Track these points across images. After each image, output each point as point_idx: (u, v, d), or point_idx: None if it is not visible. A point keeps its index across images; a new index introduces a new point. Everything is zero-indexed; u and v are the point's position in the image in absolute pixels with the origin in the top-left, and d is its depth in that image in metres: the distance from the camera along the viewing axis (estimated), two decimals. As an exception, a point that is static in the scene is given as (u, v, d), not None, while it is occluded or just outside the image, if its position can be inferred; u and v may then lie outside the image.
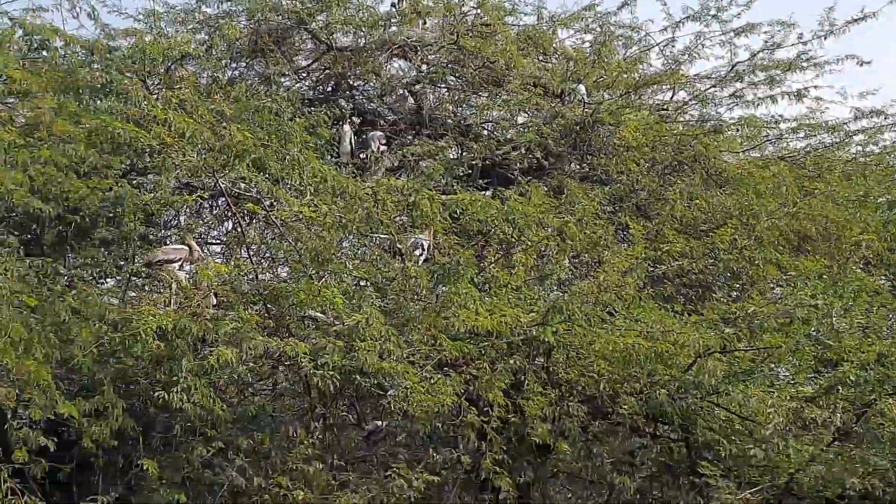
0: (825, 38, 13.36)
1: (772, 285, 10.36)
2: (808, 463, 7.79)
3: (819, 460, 7.79)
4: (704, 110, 14.10)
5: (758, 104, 13.89)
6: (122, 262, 9.25)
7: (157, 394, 7.67)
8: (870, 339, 8.59)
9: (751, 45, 13.73)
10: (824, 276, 9.51)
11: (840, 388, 8.12)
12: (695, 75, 14.00)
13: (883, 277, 10.94)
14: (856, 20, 13.17)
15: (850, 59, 13.38)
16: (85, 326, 7.64)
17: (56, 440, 7.35)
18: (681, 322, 8.78)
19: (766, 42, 13.65)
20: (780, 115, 14.19)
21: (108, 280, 9.25)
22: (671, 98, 14.11)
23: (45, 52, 10.76)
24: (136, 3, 12.43)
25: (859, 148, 14.83)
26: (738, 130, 14.07)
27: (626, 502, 8.78)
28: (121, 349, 7.79)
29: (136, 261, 9.33)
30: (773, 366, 8.39)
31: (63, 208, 8.79)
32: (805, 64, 13.60)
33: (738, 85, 13.80)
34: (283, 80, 12.42)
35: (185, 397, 7.46)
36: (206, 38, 12.12)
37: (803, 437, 8.02)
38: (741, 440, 8.14)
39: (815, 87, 13.73)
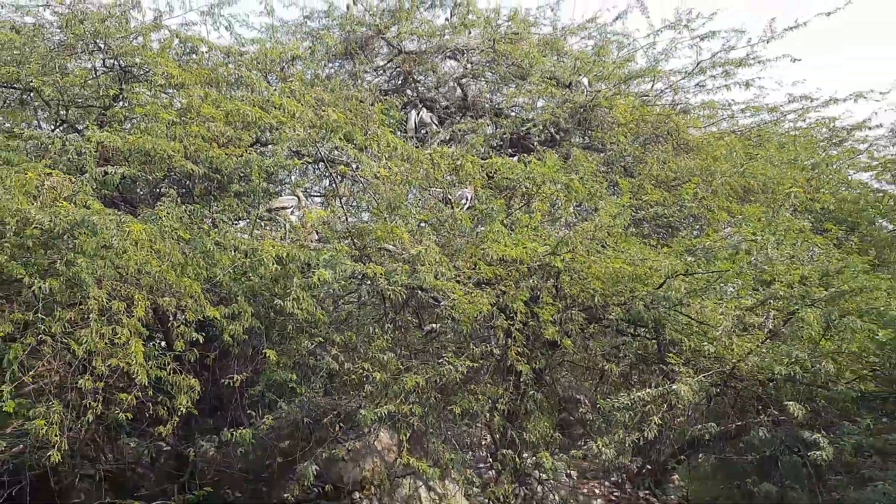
0: (768, 42, 13.18)
1: (723, 226, 10.31)
2: (747, 355, 7.84)
3: (755, 353, 7.85)
4: (676, 96, 14.03)
5: (715, 91, 13.81)
6: (250, 209, 9.36)
7: (275, 302, 7.84)
8: (795, 265, 8.60)
9: (711, 47, 13.54)
10: (762, 219, 9.46)
11: (772, 301, 8.16)
12: (669, 70, 13.84)
13: (806, 220, 10.87)
14: (790, 28, 12.95)
15: (785, 57, 13.21)
16: (224, 254, 7.79)
17: (204, 335, 7.53)
18: (655, 252, 8.83)
19: (724, 45, 13.45)
20: (732, 100, 14.10)
21: (240, 221, 9.37)
22: (651, 87, 13.97)
23: (194, 55, 10.87)
24: (260, 19, 12.42)
25: (791, 124, 14.73)
26: (700, 111, 14.01)
27: (613, 383, 8.89)
28: (249, 270, 7.95)
29: (260, 208, 9.45)
30: (722, 285, 8.38)
31: (207, 169, 8.89)
32: (752, 61, 13.40)
33: (701, 77, 13.64)
34: (365, 75, 12.48)
35: (296, 305, 7.61)
36: (310, 44, 12.21)
37: (744, 336, 8.06)
38: (697, 339, 8.19)
39: (759, 78, 13.61)
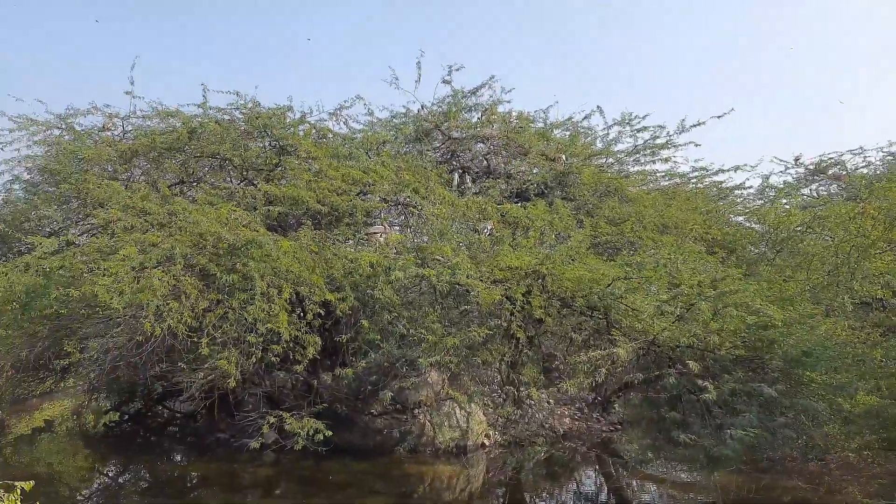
0: (680, 133, 12.93)
1: (649, 249, 10.03)
2: (663, 330, 7.60)
3: (668, 329, 7.59)
4: (621, 167, 13.75)
5: (646, 164, 13.56)
6: (356, 233, 9.36)
7: (368, 291, 7.79)
8: (694, 274, 8.34)
9: (644, 136, 13.30)
10: (674, 245, 9.22)
11: (679, 296, 7.88)
12: (617, 150, 13.61)
13: (702, 246, 10.58)
14: (696, 125, 12.73)
15: (691, 142, 12.97)
16: (338, 260, 7.79)
17: (323, 311, 7.52)
18: (606, 264, 8.62)
19: (652, 135, 13.20)
20: (656, 170, 13.81)
21: (349, 241, 9.35)
22: (605, 161, 13.72)
23: (324, 139, 10.94)
24: (365, 117, 12.47)
25: (693, 185, 14.30)
26: (636, 177, 13.71)
27: (577, 346, 8.66)
28: (353, 271, 7.92)
29: (362, 232, 9.45)
30: (648, 285, 8.16)
31: (330, 209, 8.94)
32: (669, 146, 13.14)
33: (637, 155, 13.41)
34: (427, 152, 12.40)
35: (381, 293, 7.56)
36: (394, 133, 12.16)
37: (661, 318, 7.82)
38: (631, 319, 7.97)
39: (674, 154, 13.35)
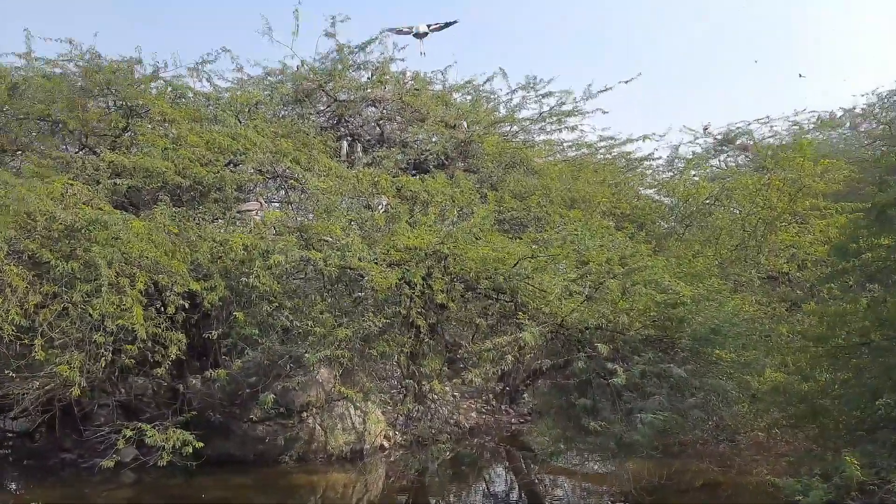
0: (587, 100, 13.44)
1: (556, 225, 10.36)
2: (571, 312, 7.91)
3: (576, 310, 7.91)
4: (526, 136, 14.09)
5: (552, 133, 13.95)
6: (225, 211, 8.98)
7: (243, 278, 7.53)
8: (602, 251, 8.73)
9: (550, 102, 13.65)
10: (581, 220, 9.62)
11: (587, 275, 8.20)
12: (521, 117, 13.90)
13: (610, 221, 11.11)
14: (602, 91, 13.31)
15: (599, 110, 13.51)
16: (204, 243, 7.47)
17: (189, 302, 7.20)
18: (511, 242, 8.83)
19: (557, 101, 13.58)
20: (563, 139, 14.27)
21: (218, 220, 8.93)
22: (509, 129, 13.99)
23: (183, 99, 10.38)
24: (233, 74, 11.82)
25: (601, 156, 14.95)
26: (542, 146, 14.12)
27: (483, 332, 8.84)
28: (223, 255, 7.63)
29: (233, 210, 9.11)
30: (555, 264, 8.44)
31: (193, 182, 8.54)
32: (576, 113, 13.61)
33: (542, 123, 13.77)
34: (310, 116, 12.05)
35: (258, 280, 7.34)
36: (269, 93, 11.68)
37: (569, 299, 8.11)
38: (539, 301, 8.21)
39: (581, 123, 13.86)
